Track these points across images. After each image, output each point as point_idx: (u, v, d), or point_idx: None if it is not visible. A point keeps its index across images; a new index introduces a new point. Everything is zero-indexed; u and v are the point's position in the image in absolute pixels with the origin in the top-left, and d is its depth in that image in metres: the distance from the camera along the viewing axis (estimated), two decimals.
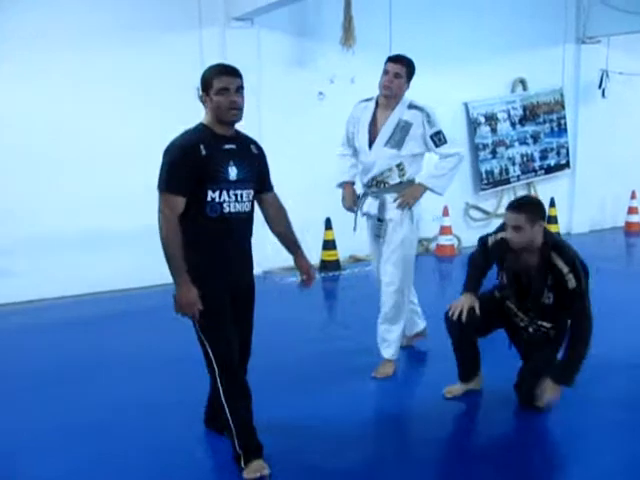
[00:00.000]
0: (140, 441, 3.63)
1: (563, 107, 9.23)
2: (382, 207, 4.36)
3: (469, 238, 7.79)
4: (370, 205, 4.43)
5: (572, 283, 3.59)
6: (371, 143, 4.34)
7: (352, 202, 4.53)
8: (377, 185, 4.38)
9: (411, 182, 4.36)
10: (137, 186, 5.91)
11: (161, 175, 3.09)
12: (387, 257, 4.38)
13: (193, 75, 6.63)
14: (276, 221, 3.44)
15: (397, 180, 4.33)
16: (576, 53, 9.19)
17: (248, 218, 3.25)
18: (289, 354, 4.83)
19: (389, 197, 4.35)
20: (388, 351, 4.46)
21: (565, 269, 3.61)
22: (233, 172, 3.12)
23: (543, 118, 9.07)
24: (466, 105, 8.57)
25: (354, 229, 4.59)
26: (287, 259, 3.59)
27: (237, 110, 3.10)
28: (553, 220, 8.83)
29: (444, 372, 4.23)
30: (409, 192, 4.32)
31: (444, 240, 8.18)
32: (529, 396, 3.83)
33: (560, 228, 9.04)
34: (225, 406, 3.20)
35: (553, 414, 3.84)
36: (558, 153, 9.30)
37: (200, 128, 3.18)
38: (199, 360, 3.27)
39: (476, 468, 3.41)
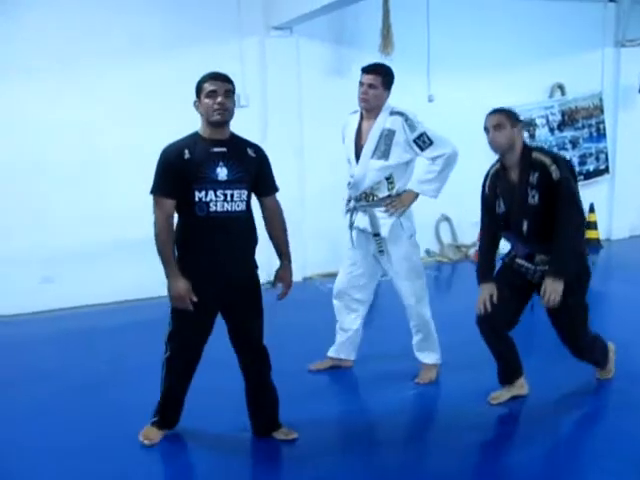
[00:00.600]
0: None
1: (602, 112, 9.14)
2: (373, 222, 4.28)
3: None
4: (360, 220, 4.35)
5: (556, 174, 3.60)
6: (358, 156, 4.28)
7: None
8: (366, 198, 4.30)
9: (400, 195, 4.26)
10: None
11: (153, 180, 3.37)
12: (396, 273, 4.33)
13: (235, 85, 6.87)
14: (270, 226, 3.58)
15: (386, 193, 4.24)
16: (615, 57, 9.08)
17: (240, 217, 3.39)
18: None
19: (378, 212, 4.26)
20: (430, 357, 4.45)
21: (548, 161, 3.63)
22: (223, 172, 3.31)
23: (582, 123, 9.00)
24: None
25: (352, 245, 4.48)
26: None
27: (223, 111, 3.30)
28: (593, 226, 8.71)
29: (491, 378, 4.20)
30: (398, 199, 4.23)
31: None
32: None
33: (600, 234, 8.95)
34: (162, 372, 3.59)
35: (603, 424, 3.79)
36: (597, 158, 9.22)
37: (191, 135, 3.43)
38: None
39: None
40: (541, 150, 3.79)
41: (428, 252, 8.04)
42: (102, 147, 6.36)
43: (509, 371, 4.09)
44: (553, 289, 3.64)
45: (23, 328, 6.02)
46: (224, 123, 3.36)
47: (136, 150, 6.33)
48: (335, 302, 4.58)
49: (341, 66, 7.29)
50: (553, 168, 3.61)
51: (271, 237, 3.60)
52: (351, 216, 4.41)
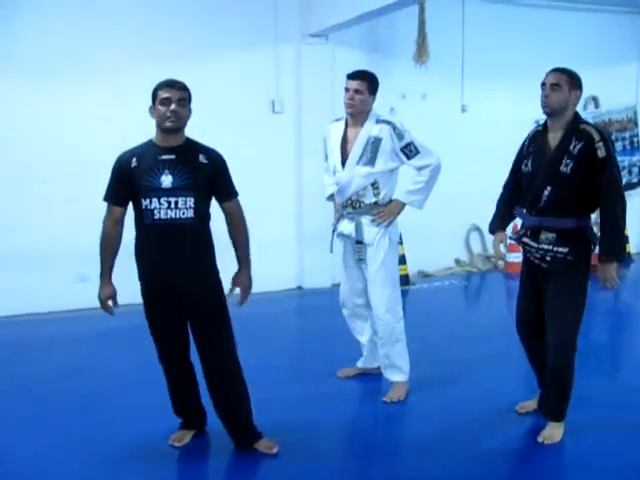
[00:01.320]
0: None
1: (636, 125, 9.08)
2: (359, 229, 4.27)
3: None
4: (345, 226, 4.36)
5: (602, 152, 3.43)
6: (344, 162, 4.27)
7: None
8: (352, 205, 4.30)
9: (387, 204, 4.26)
10: None
11: (106, 187, 3.47)
12: (372, 279, 4.29)
13: (269, 90, 7.00)
14: (230, 230, 3.55)
15: (372, 200, 4.23)
16: None
17: (187, 225, 3.33)
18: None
19: (364, 219, 4.27)
20: (397, 374, 4.35)
21: (597, 136, 3.46)
22: (167, 180, 3.30)
23: (615, 136, 8.91)
24: (538, 123, 8.49)
25: (330, 250, 4.51)
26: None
27: (176, 119, 3.30)
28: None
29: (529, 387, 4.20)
30: (386, 209, 4.23)
31: (513, 257, 8.12)
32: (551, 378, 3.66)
33: (631, 247, 8.87)
34: (167, 382, 3.66)
35: (618, 446, 3.68)
36: (630, 172, 9.14)
37: (146, 142, 3.45)
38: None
39: None
40: (590, 124, 3.61)
41: (458, 261, 8.05)
42: None
43: (539, 379, 3.99)
44: (607, 274, 3.50)
45: (58, 326, 6.12)
46: (176, 130, 3.34)
47: None
48: (343, 311, 4.60)
49: (376, 74, 7.34)
50: (600, 145, 3.44)
51: (232, 241, 3.56)
52: (336, 223, 4.44)
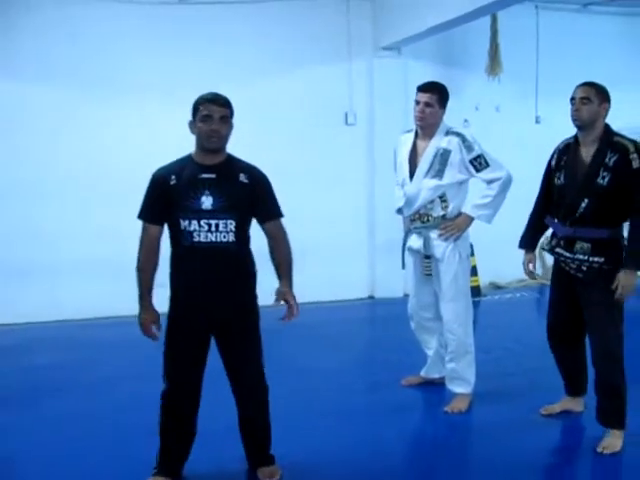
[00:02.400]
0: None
1: None
2: (427, 244, 4.24)
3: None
4: (414, 241, 4.33)
5: (637, 163, 3.46)
6: (412, 174, 4.24)
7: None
8: (420, 219, 4.26)
9: (455, 217, 4.21)
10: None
11: (141, 203, 3.26)
12: (443, 294, 4.25)
13: (342, 102, 7.10)
14: (272, 252, 3.33)
15: (440, 213, 4.19)
16: None
17: (228, 249, 3.16)
18: None
19: (432, 234, 4.22)
20: (462, 387, 4.31)
21: (631, 147, 3.50)
22: (208, 201, 3.11)
23: None
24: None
25: (402, 267, 4.48)
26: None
27: (217, 138, 3.12)
28: None
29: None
30: (454, 223, 4.19)
31: None
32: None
33: None
34: (160, 421, 3.31)
35: None
36: None
37: (184, 157, 3.26)
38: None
39: None
40: (622, 136, 3.64)
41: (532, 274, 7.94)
42: None
43: (571, 385, 4.07)
44: (626, 282, 3.49)
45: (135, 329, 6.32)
46: (218, 150, 3.19)
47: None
48: (411, 324, 4.62)
49: (449, 87, 7.27)
50: (635, 156, 3.48)
51: (274, 261, 3.34)
52: (405, 238, 4.44)
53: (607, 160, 3.53)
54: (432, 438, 4.04)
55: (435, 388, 4.59)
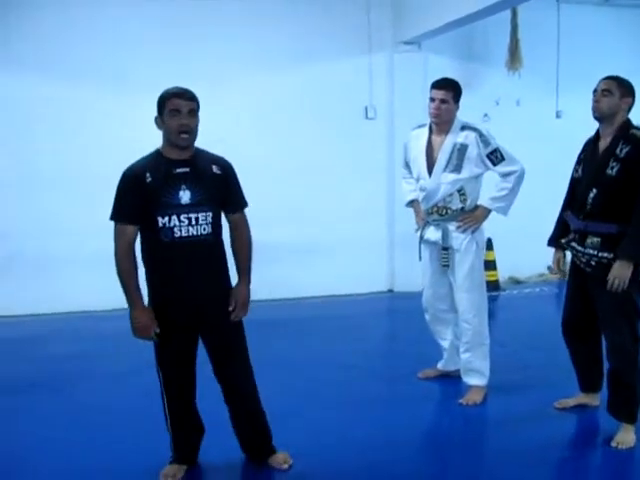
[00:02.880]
0: None
1: None
2: (445, 236, 4.30)
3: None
4: (431, 233, 4.39)
5: None
6: (430, 169, 4.30)
7: (422, 218, 4.51)
8: (438, 212, 4.33)
9: (473, 210, 4.30)
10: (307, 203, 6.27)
11: (113, 205, 3.16)
12: (459, 285, 4.32)
13: (362, 96, 7.14)
14: (233, 243, 3.34)
15: (459, 206, 4.27)
16: None
17: (207, 240, 3.17)
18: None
19: (451, 226, 4.30)
20: (476, 378, 4.36)
21: None
22: (185, 196, 3.11)
23: None
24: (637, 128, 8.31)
25: (419, 258, 4.53)
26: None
27: (187, 134, 3.09)
28: None
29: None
30: (472, 215, 4.27)
31: None
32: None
33: None
34: (166, 415, 3.35)
35: None
36: None
37: (153, 154, 3.19)
38: None
39: None
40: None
41: (549, 268, 7.93)
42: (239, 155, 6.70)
43: (585, 380, 4.05)
44: (620, 273, 3.45)
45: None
46: (189, 146, 3.16)
47: (270, 158, 6.69)
48: (426, 316, 4.67)
49: (469, 81, 7.30)
50: None
51: (235, 253, 3.34)
52: (422, 230, 4.49)
53: (618, 151, 3.51)
54: (446, 429, 4.11)
55: (451, 381, 4.62)
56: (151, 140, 3.26)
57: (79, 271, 6.61)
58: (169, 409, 3.35)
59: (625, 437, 3.64)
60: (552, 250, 4.04)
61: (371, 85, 7.18)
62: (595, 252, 3.60)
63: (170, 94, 3.10)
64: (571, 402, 4.10)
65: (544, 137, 7.38)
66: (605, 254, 3.55)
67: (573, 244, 3.76)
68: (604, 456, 3.67)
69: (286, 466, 3.46)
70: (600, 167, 3.57)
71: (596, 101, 3.61)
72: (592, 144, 3.74)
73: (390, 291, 7.52)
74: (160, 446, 3.48)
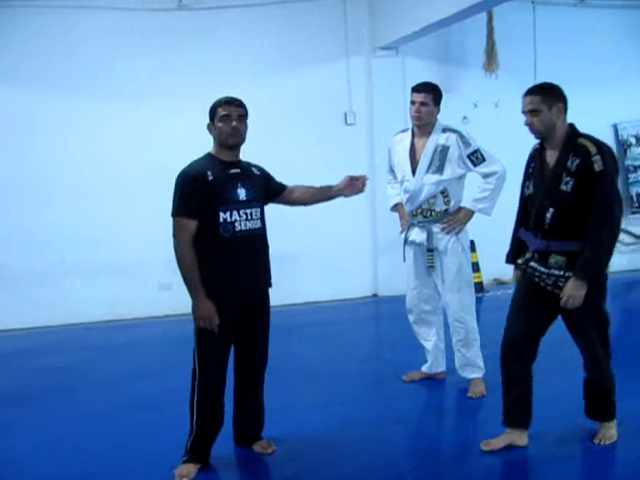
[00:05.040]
0: None
1: None
2: (430, 238, 4.38)
3: (619, 263, 7.58)
4: (416, 234, 4.45)
5: (598, 165, 3.22)
6: (413, 171, 4.37)
7: (407, 220, 4.56)
8: (423, 213, 4.41)
9: (456, 212, 4.36)
10: None
11: (173, 201, 3.39)
12: (449, 286, 4.39)
13: (341, 102, 7.15)
14: (303, 193, 3.80)
15: (443, 207, 4.35)
16: None
17: (260, 234, 3.51)
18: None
19: (435, 228, 4.37)
20: (475, 372, 4.47)
21: (593, 149, 3.26)
22: (242, 193, 3.43)
23: None
24: (615, 126, 8.38)
25: (404, 259, 4.59)
26: None
27: (237, 134, 3.42)
28: None
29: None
30: (456, 217, 4.34)
31: None
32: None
33: None
34: (194, 411, 3.47)
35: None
36: None
37: (206, 157, 3.49)
38: None
39: None
40: (588, 137, 3.37)
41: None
42: None
43: (517, 412, 3.61)
44: (575, 292, 3.28)
45: (142, 330, 6.51)
46: (238, 146, 3.48)
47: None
48: (409, 317, 4.70)
49: (447, 84, 7.30)
50: (597, 158, 3.24)
51: (312, 198, 3.82)
52: (407, 232, 4.53)
53: (570, 164, 3.32)
54: (435, 429, 4.13)
55: (436, 383, 4.68)
56: (129, 150, 3.28)
57: (69, 283, 6.65)
58: (198, 402, 3.46)
59: (607, 433, 3.65)
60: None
61: (350, 91, 7.19)
62: (562, 272, 3.36)
63: (221, 102, 3.45)
64: (500, 442, 3.62)
65: (524, 138, 7.36)
66: (566, 273, 3.34)
67: (533, 264, 3.49)
68: (592, 453, 3.63)
69: (270, 451, 3.69)
70: (553, 183, 3.38)
71: (529, 124, 3.42)
72: (538, 156, 3.53)
73: (375, 295, 7.51)
74: (157, 451, 3.62)
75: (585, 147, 3.31)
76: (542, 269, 3.44)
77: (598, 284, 3.41)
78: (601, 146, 3.32)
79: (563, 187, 3.34)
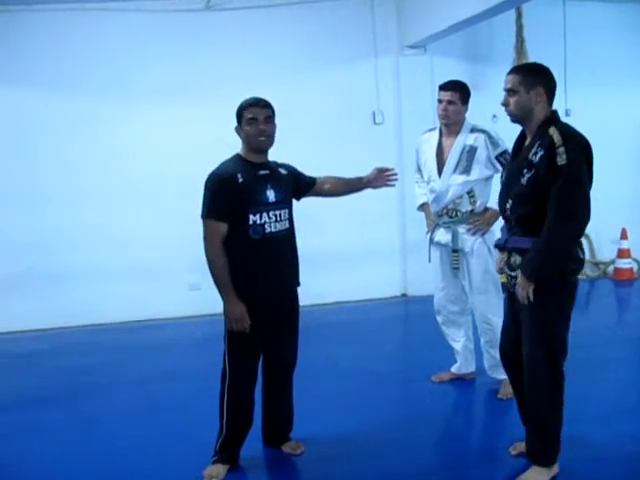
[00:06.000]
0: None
1: None
2: (455, 238, 4.34)
3: None
4: (441, 235, 4.42)
5: (562, 159, 2.89)
6: (440, 171, 4.34)
7: (433, 220, 4.53)
8: (448, 214, 4.37)
9: (482, 212, 4.33)
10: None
11: (203, 203, 3.36)
12: (476, 287, 4.35)
13: (369, 102, 7.13)
14: (334, 185, 3.85)
15: (469, 208, 4.31)
16: None
17: (289, 235, 3.51)
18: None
19: (461, 229, 4.33)
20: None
21: (558, 141, 2.91)
22: (271, 195, 3.40)
23: None
24: None
25: (429, 260, 4.58)
26: None
27: (265, 137, 3.38)
28: None
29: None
30: (481, 218, 4.30)
31: (622, 264, 7.89)
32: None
33: None
34: (224, 412, 3.48)
35: None
36: None
37: (236, 158, 3.47)
38: None
39: None
40: (560, 126, 3.02)
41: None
42: None
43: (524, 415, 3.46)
44: (519, 289, 3.07)
45: (170, 331, 6.56)
46: (267, 149, 3.46)
47: None
48: (437, 318, 4.67)
49: (476, 82, 7.25)
50: (561, 150, 2.90)
51: (343, 189, 3.90)
52: (432, 233, 4.51)
53: (532, 156, 3.02)
54: (463, 430, 4.12)
55: (466, 383, 4.66)
56: (157, 151, 3.30)
57: (91, 285, 6.69)
58: (228, 403, 3.46)
59: (530, 477, 3.21)
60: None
61: (378, 90, 7.17)
62: (516, 273, 3.14)
63: (247, 104, 3.41)
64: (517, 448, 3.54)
65: None
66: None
67: (505, 270, 3.28)
68: None
69: (299, 451, 3.70)
70: (515, 175, 3.13)
71: (504, 104, 3.15)
72: (518, 145, 3.28)
73: (404, 295, 7.49)
74: (186, 451, 3.68)
75: (551, 137, 2.96)
76: (508, 271, 3.26)
77: (550, 290, 3.07)
78: (568, 136, 2.97)
79: (521, 179, 3.07)
